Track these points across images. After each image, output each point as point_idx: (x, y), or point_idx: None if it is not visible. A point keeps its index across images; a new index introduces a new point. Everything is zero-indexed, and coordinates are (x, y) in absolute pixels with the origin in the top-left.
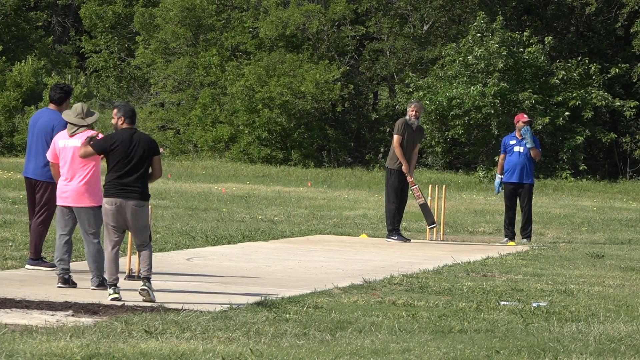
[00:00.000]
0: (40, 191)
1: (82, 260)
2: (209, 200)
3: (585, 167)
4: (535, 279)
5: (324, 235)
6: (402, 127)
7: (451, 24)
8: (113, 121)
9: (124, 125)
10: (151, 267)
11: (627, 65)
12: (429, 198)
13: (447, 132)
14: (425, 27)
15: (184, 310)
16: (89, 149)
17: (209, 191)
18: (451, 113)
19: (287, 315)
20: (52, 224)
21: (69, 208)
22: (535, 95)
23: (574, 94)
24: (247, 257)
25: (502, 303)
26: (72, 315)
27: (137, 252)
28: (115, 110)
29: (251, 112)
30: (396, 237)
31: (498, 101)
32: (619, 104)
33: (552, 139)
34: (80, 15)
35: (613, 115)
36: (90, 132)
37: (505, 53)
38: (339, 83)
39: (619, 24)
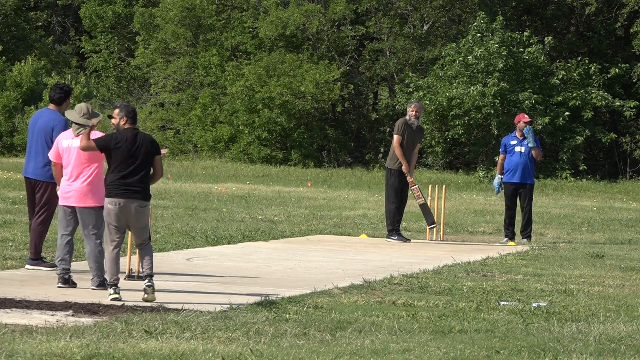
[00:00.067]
0: (40, 191)
1: (82, 260)
2: (209, 200)
3: (585, 167)
4: (535, 279)
5: (324, 235)
6: (402, 127)
7: (451, 24)
8: (114, 121)
9: (126, 125)
10: (153, 265)
11: (627, 65)
12: (429, 198)
13: (447, 132)
14: (425, 27)
15: (184, 310)
16: (91, 143)
17: (209, 191)
18: (451, 113)
19: (287, 315)
20: (53, 224)
21: (72, 208)
22: (535, 95)
23: (574, 94)
24: (247, 257)
25: (502, 303)
26: (72, 315)
27: (137, 252)
28: (116, 111)
29: (251, 112)
30: (396, 237)
31: (498, 101)
32: (618, 104)
33: (552, 139)
34: (80, 15)
35: (613, 115)
36: (99, 134)
37: (505, 53)
38: (339, 83)
39: (619, 24)
